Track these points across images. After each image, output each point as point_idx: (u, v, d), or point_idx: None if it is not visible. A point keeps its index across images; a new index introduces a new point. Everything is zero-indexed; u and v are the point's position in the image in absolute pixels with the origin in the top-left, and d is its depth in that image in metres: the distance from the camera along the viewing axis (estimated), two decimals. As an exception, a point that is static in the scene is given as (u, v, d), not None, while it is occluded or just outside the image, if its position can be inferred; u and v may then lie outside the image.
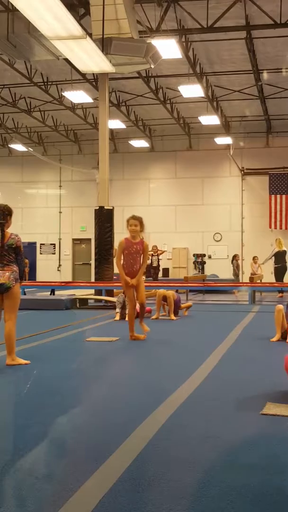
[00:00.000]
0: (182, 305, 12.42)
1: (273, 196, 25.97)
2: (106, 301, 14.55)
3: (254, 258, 22.31)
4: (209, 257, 27.16)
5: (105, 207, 16.05)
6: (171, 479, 3.06)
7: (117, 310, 11.51)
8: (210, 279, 23.19)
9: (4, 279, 6.37)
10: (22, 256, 6.56)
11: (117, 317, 11.39)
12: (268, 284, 18.55)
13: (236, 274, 23.70)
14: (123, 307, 11.52)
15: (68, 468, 3.27)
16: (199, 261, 26.95)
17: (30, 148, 26.41)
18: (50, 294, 15.52)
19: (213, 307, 15.33)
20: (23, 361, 6.42)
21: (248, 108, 23.66)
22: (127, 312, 11.58)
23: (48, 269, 28.49)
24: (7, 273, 6.39)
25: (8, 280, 6.38)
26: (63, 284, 17.25)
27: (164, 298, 11.92)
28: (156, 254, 22.89)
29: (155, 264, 22.87)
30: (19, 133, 26.99)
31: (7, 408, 4.79)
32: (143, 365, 6.79)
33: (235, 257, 23.75)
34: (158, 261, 23.06)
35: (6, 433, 4.03)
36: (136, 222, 8.50)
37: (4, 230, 6.44)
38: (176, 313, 11.91)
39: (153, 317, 11.68)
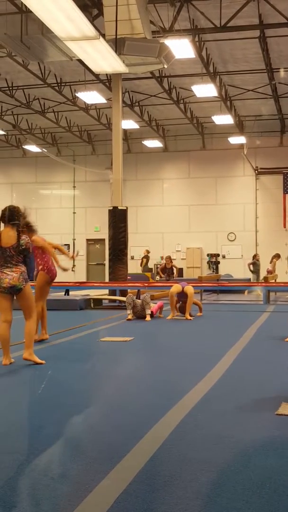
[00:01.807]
0: (194, 300, 12.27)
1: (287, 195, 25.85)
2: (120, 301, 14.55)
3: (277, 256, 21.70)
4: (223, 257, 27.09)
5: (119, 208, 16.06)
6: (186, 479, 3.06)
7: (128, 311, 11.50)
8: (224, 279, 23.10)
9: (14, 280, 6.42)
10: (30, 258, 6.62)
11: (130, 317, 11.39)
12: (282, 284, 18.46)
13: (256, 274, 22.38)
14: (134, 307, 11.52)
15: (83, 468, 3.28)
16: (213, 261, 26.88)
17: (44, 149, 26.50)
18: (65, 295, 15.55)
19: (227, 307, 15.29)
20: (38, 360, 6.46)
21: (262, 107, 23.57)
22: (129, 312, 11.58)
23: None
24: (16, 274, 6.44)
25: (18, 282, 6.43)
26: (77, 284, 17.27)
27: (179, 297, 11.82)
28: (170, 267, 22.15)
29: (167, 276, 22.28)
30: (33, 134, 27.10)
31: (22, 408, 4.81)
32: (157, 365, 6.79)
33: (254, 257, 22.63)
34: (172, 272, 22.26)
35: (22, 433, 4.05)
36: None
37: (19, 231, 6.50)
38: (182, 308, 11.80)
39: (169, 317, 11.64)
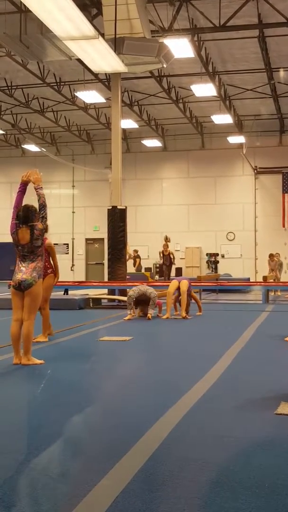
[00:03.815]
0: (193, 294, 12.21)
1: (286, 194, 25.87)
2: (119, 301, 14.55)
3: (271, 256, 21.67)
4: (222, 256, 27.11)
5: (118, 207, 16.05)
6: (185, 478, 3.07)
7: (129, 311, 11.47)
8: (224, 278, 23.12)
9: (26, 275, 6.43)
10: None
11: (128, 317, 11.39)
12: (281, 283, 18.49)
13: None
14: (139, 296, 11.47)
15: (82, 467, 3.28)
16: (212, 260, 26.89)
17: (43, 149, 26.50)
18: (64, 294, 15.55)
19: (226, 307, 15.30)
20: (38, 361, 6.46)
21: (261, 107, 23.58)
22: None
23: (62, 269, 28.35)
24: (30, 269, 6.45)
25: (30, 276, 6.43)
26: (76, 284, 17.29)
27: (179, 293, 11.77)
28: (167, 253, 22.34)
29: (167, 263, 22.42)
30: (32, 133, 27.09)
31: (22, 407, 4.81)
32: (156, 364, 6.79)
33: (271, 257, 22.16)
34: (170, 260, 22.36)
35: (22, 433, 4.05)
36: None
37: (33, 231, 6.51)
38: (188, 305, 11.78)
39: (164, 316, 11.59)
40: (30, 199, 6.83)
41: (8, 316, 10.82)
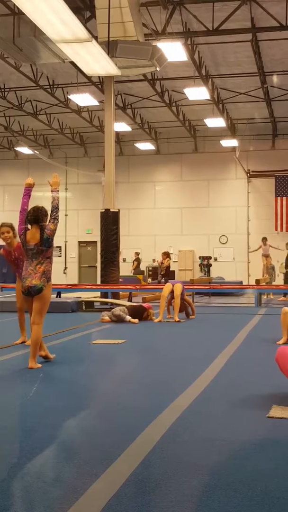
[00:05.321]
0: (186, 297, 12.22)
1: (279, 198, 25.95)
2: (112, 304, 14.53)
3: (264, 240, 21.83)
4: (215, 259, 27.15)
5: (111, 210, 16.06)
6: (178, 482, 3.06)
7: (106, 316, 11.48)
8: (216, 281, 23.15)
9: (36, 280, 6.40)
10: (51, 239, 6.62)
11: (105, 320, 11.39)
12: (274, 287, 18.53)
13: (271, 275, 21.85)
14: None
15: (75, 471, 3.27)
16: (205, 263, 26.93)
17: (36, 151, 26.48)
18: (56, 297, 15.52)
19: (219, 310, 15.31)
20: (39, 365, 6.44)
21: (254, 111, 23.66)
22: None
23: (54, 271, 28.26)
24: (38, 274, 6.42)
25: (39, 281, 6.41)
26: (69, 286, 17.26)
27: (172, 296, 11.77)
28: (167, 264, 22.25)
29: (162, 272, 22.37)
30: (25, 136, 27.06)
31: (14, 411, 4.79)
32: (149, 368, 6.79)
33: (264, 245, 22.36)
34: (167, 269, 22.32)
35: (14, 436, 4.04)
36: (8, 229, 7.86)
37: (44, 231, 6.51)
38: (182, 307, 11.77)
39: (157, 320, 11.57)
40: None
41: (7, 318, 10.85)
